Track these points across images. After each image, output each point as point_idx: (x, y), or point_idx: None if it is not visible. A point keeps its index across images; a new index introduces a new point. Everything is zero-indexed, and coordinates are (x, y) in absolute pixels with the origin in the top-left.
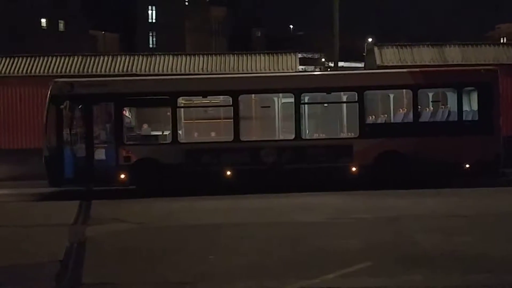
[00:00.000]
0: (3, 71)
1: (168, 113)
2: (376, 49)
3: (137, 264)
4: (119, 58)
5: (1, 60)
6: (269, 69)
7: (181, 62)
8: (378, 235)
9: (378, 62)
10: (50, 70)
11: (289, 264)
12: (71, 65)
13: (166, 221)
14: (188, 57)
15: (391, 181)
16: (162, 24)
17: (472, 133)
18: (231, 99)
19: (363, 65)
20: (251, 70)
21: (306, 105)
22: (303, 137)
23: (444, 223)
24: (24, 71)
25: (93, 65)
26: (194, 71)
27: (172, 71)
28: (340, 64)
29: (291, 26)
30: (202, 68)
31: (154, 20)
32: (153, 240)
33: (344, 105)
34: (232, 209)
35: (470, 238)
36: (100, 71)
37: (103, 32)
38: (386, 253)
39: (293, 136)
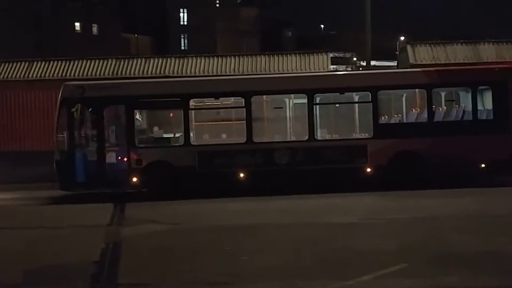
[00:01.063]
0: (40, 75)
1: (180, 115)
2: (409, 47)
3: (172, 265)
4: (151, 61)
5: (38, 63)
6: (301, 69)
7: (213, 64)
8: (413, 235)
9: (411, 60)
10: (85, 74)
11: (324, 265)
12: (105, 68)
13: (199, 222)
14: (219, 59)
15: (407, 182)
16: (194, 26)
17: (487, 132)
18: (243, 100)
19: (395, 64)
20: (283, 70)
21: (319, 106)
22: (317, 138)
23: (478, 222)
24: (60, 74)
25: (126, 68)
26: (225, 72)
27: (203, 73)
28: (372, 63)
29: (322, 26)
30: (234, 69)
31: (185, 23)
32: (187, 240)
33: (358, 105)
34: (262, 210)
35: (506, 238)
36: (133, 73)
37: (135, 35)
38: (422, 254)
39: (306, 137)
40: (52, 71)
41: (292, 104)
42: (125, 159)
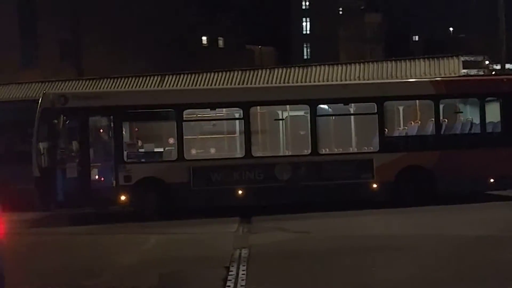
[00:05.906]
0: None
1: (173, 128)
2: None
3: (300, 273)
4: (275, 71)
5: (169, 77)
6: (429, 74)
7: (337, 72)
8: None
9: None
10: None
11: (458, 278)
12: (231, 79)
13: (328, 231)
14: (343, 66)
15: (415, 198)
16: (316, 34)
17: (497, 145)
18: (241, 111)
19: None
20: (410, 76)
21: (322, 117)
22: (320, 152)
23: None
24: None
25: (251, 78)
26: (349, 79)
27: (327, 81)
28: (508, 66)
29: (451, 29)
30: (359, 77)
31: (308, 32)
32: (315, 249)
33: (363, 117)
34: (391, 222)
35: None
36: (258, 84)
37: (259, 47)
38: None
39: (309, 151)
40: (182, 84)
41: (293, 116)
42: (112, 175)
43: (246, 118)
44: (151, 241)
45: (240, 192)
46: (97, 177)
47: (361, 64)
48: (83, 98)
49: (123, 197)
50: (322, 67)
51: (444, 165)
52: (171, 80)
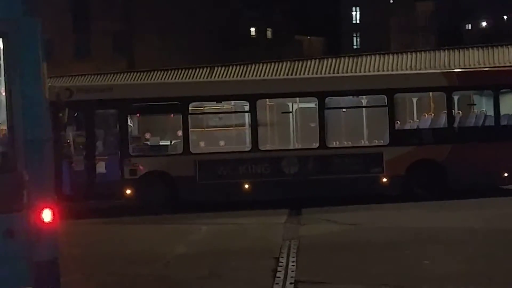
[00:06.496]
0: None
1: (179, 121)
2: None
3: (350, 265)
4: (324, 61)
5: (218, 68)
6: (484, 64)
7: (387, 61)
8: None
9: None
10: (261, 77)
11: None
12: (279, 70)
13: (377, 223)
14: (394, 56)
15: (426, 193)
16: (366, 24)
17: (511, 138)
18: (248, 104)
19: None
20: (464, 66)
21: (331, 110)
22: (328, 145)
23: None
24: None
25: (300, 69)
26: (401, 69)
27: (378, 70)
28: None
29: (505, 17)
30: (410, 66)
31: (358, 21)
32: (366, 241)
33: (373, 109)
34: (444, 216)
35: None
36: (308, 74)
37: (308, 37)
38: None
39: (317, 144)
40: (230, 75)
41: (301, 108)
42: (118, 169)
43: (253, 111)
44: (201, 231)
45: (246, 186)
46: (102, 170)
47: (413, 54)
48: (88, 91)
49: (128, 191)
50: (373, 56)
51: (456, 159)
52: (220, 71)
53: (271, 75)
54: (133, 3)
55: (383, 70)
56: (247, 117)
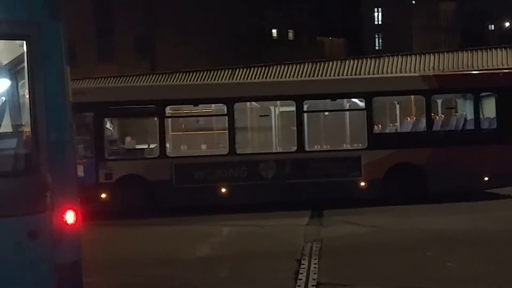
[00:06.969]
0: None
1: (155, 124)
2: None
3: (373, 267)
4: (346, 63)
5: (241, 70)
6: (507, 64)
7: (410, 62)
8: None
9: None
10: (282, 78)
11: None
12: (301, 72)
13: (398, 225)
14: (417, 57)
15: (404, 197)
16: (388, 25)
17: (491, 142)
18: (225, 107)
19: None
20: (487, 66)
21: (308, 114)
22: (306, 149)
23: None
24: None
25: (322, 70)
26: (424, 70)
27: (400, 72)
28: None
29: None
30: (433, 67)
31: (380, 22)
32: (387, 243)
33: (351, 113)
34: (470, 217)
35: None
36: (329, 76)
37: (330, 38)
38: None
39: (294, 148)
40: (252, 77)
41: (279, 112)
42: (93, 173)
43: (230, 114)
44: (222, 233)
45: (223, 190)
46: (78, 174)
47: (436, 54)
48: None
49: (103, 195)
50: (395, 57)
51: (436, 163)
52: (242, 73)
53: (292, 77)
54: (155, 5)
55: (405, 72)
56: (224, 121)
